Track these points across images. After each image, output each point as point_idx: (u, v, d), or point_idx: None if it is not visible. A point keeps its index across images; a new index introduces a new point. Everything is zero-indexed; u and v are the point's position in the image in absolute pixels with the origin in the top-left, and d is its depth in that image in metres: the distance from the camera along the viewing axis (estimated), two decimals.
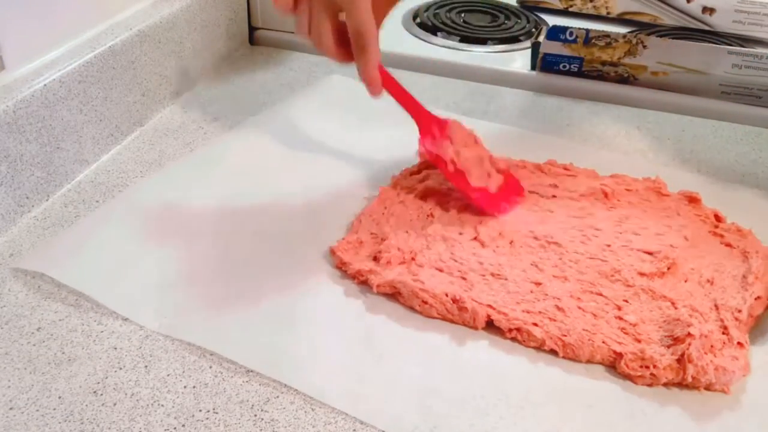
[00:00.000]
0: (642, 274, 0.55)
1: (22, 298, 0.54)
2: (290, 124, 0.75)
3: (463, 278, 0.54)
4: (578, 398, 0.48)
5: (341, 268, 0.56)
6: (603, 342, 0.50)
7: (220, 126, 0.76)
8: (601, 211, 0.61)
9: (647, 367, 0.48)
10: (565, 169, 0.67)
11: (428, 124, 0.62)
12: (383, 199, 0.62)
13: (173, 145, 0.72)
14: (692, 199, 0.64)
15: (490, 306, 0.52)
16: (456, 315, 0.52)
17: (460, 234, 0.58)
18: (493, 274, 0.54)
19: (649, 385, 0.49)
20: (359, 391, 0.47)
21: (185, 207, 0.62)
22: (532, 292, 0.53)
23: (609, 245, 0.58)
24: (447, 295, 0.52)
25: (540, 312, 0.51)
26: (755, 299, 0.54)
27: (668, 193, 0.64)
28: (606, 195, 0.63)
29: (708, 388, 0.48)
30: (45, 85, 0.61)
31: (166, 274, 0.55)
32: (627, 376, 0.49)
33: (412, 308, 0.53)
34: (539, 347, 0.51)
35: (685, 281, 0.55)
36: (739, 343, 0.50)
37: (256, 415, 0.46)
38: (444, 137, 0.62)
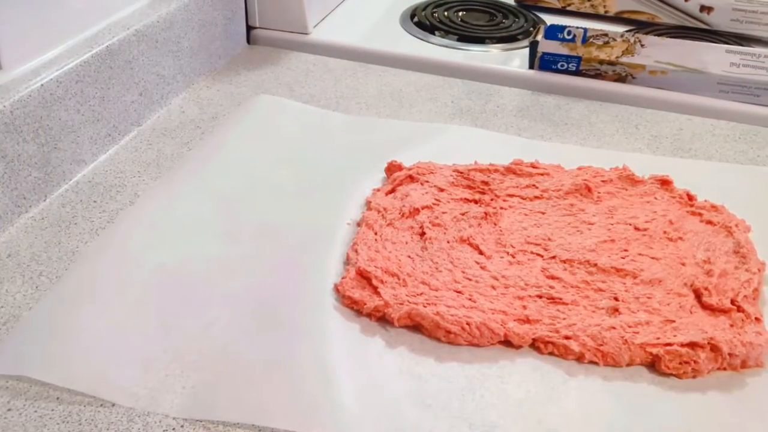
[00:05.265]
0: (642, 268, 0.56)
1: (20, 299, 0.54)
2: (232, 155, 0.69)
3: (483, 295, 0.53)
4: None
5: (352, 307, 0.53)
6: (640, 346, 0.50)
7: (218, 125, 0.76)
8: (589, 206, 0.62)
9: (688, 363, 0.49)
10: (533, 167, 0.67)
11: None
12: (370, 225, 0.60)
13: (171, 145, 0.72)
14: (664, 182, 0.66)
15: (518, 333, 0.51)
16: (484, 339, 0.51)
17: (461, 246, 0.58)
18: (506, 286, 0.54)
19: (693, 377, 0.49)
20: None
21: (156, 267, 0.56)
22: (553, 301, 0.53)
23: (611, 240, 0.59)
24: (470, 324, 0.51)
25: (572, 324, 0.51)
26: (756, 272, 0.56)
27: (640, 179, 0.66)
28: (589, 189, 0.64)
29: (743, 366, 0.50)
30: (42, 85, 0.61)
31: (179, 352, 0.49)
32: (670, 375, 0.50)
33: (437, 339, 0.51)
34: (578, 359, 0.50)
35: (683, 265, 0.56)
36: (756, 318, 0.52)
37: None
38: None
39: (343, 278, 0.55)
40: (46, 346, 0.49)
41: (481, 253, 0.57)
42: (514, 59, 0.90)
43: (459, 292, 0.54)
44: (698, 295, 0.54)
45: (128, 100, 0.72)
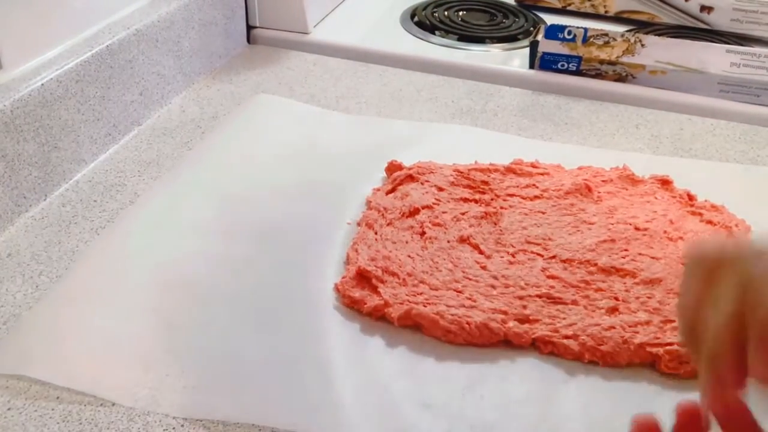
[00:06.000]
0: (642, 267, 0.56)
1: (20, 298, 0.54)
2: (233, 155, 0.69)
3: (483, 295, 0.53)
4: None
5: (352, 306, 0.53)
6: (640, 345, 0.50)
7: (218, 125, 0.76)
8: (590, 206, 0.62)
9: (688, 362, 0.49)
10: (533, 166, 0.67)
11: None
12: (370, 224, 0.60)
13: (171, 145, 0.72)
14: (664, 182, 0.66)
15: (518, 332, 0.51)
16: (484, 339, 0.51)
17: (461, 246, 0.58)
18: (506, 285, 0.54)
19: (694, 377, 0.49)
20: None
21: (156, 266, 0.56)
22: (553, 301, 0.53)
23: (611, 239, 0.58)
24: (470, 324, 0.51)
25: (572, 324, 0.51)
26: None
27: (641, 179, 0.66)
28: (589, 189, 0.64)
29: None
30: (43, 84, 0.61)
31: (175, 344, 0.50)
32: (670, 374, 0.49)
33: (437, 338, 0.51)
34: (578, 359, 0.50)
35: (683, 265, 0.56)
36: None
37: None
38: None
39: (343, 278, 0.55)
40: (46, 345, 0.49)
41: (481, 252, 0.57)
42: (514, 59, 0.90)
43: (459, 291, 0.54)
44: None
45: (128, 100, 0.72)
